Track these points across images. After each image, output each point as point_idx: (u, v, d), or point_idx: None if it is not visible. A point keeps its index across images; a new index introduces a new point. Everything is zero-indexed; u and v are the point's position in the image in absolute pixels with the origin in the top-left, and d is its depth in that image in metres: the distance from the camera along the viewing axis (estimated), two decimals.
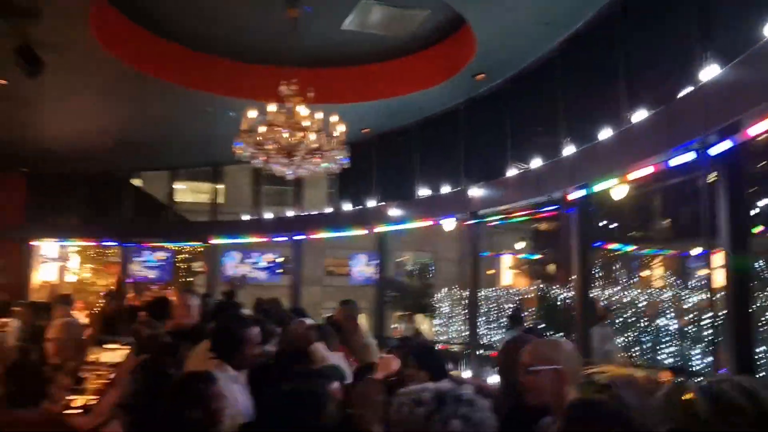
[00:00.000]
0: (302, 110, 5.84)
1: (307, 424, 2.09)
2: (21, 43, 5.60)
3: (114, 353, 4.69)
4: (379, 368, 3.23)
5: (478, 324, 8.59)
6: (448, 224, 8.48)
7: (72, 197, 12.12)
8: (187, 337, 3.62)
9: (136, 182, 12.60)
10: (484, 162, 7.68)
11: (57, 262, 14.67)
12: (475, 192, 7.35)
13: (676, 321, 7.13)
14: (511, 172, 6.93)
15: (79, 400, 3.47)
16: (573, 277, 9.76)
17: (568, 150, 5.97)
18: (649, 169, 4.90)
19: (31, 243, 11.96)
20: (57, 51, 5.93)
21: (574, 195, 5.96)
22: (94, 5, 5.35)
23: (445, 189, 8.14)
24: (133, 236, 12.27)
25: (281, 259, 20.90)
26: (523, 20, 5.68)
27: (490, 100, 7.49)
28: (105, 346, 5.12)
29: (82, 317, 7.44)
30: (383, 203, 9.08)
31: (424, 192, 8.50)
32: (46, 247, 13.12)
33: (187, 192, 17.68)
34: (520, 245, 19.21)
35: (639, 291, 10.41)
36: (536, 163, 6.54)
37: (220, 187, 13.53)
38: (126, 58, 6.41)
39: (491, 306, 10.33)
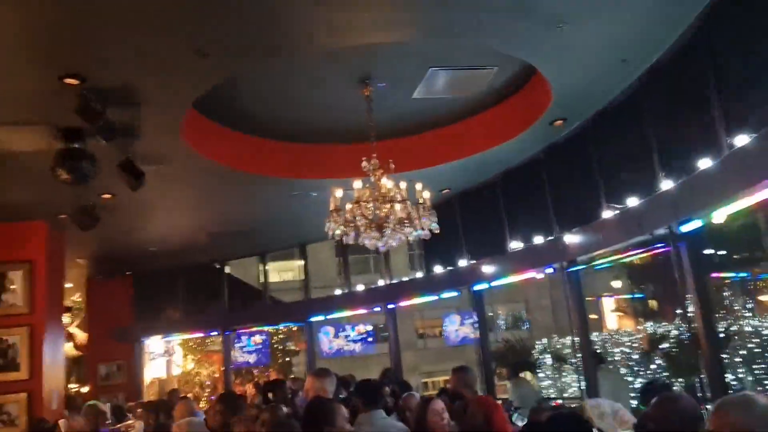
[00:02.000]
0: (386, 182, 5.94)
1: None
2: (124, 159, 6.03)
3: None
4: None
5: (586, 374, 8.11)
6: (536, 273, 8.30)
7: (173, 292, 12.67)
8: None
9: (229, 270, 13.04)
10: (574, 207, 7.47)
11: (164, 357, 15.26)
12: (571, 239, 7.13)
13: None
14: (607, 213, 6.69)
15: None
16: (679, 311, 9.26)
17: (667, 184, 5.71)
18: (764, 194, 4.60)
19: (140, 341, 12.49)
20: (155, 162, 6.35)
21: (681, 228, 5.67)
22: (185, 116, 5.70)
23: (538, 239, 7.95)
24: (232, 323, 12.59)
25: (369, 328, 20.91)
26: (597, 61, 5.60)
27: (572, 144, 7.35)
28: None
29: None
30: (474, 261, 8.96)
31: (515, 245, 8.33)
32: (153, 343, 13.68)
33: (272, 272, 18.27)
34: (617, 284, 18.32)
35: (761, 319, 9.62)
36: (633, 201, 6.29)
37: (300, 263, 13.78)
38: (215, 157, 6.76)
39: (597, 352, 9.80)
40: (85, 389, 12.34)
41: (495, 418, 4.16)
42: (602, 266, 8.10)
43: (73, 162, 5.26)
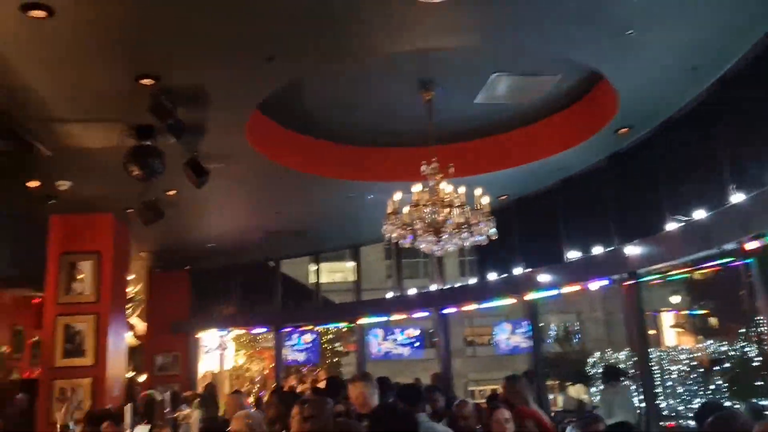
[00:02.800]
0: (445, 187, 5.92)
1: None
2: (190, 157, 6.22)
3: None
4: None
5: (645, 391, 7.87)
6: (593, 285, 8.12)
7: (228, 288, 12.98)
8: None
9: (283, 269, 13.25)
10: (636, 218, 7.28)
11: (217, 351, 15.60)
12: (632, 250, 6.94)
13: None
14: (671, 225, 6.49)
15: None
16: (743, 330, 8.83)
17: (737, 197, 5.50)
18: None
19: (195, 335, 12.83)
20: (218, 160, 6.53)
21: (751, 244, 5.44)
22: (249, 117, 5.85)
23: (597, 250, 7.77)
24: (284, 321, 12.79)
25: (417, 332, 20.85)
26: (666, 68, 5.45)
27: (637, 153, 7.16)
28: None
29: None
30: (530, 269, 8.83)
31: (573, 254, 8.17)
32: (208, 337, 14.02)
33: (323, 273, 18.53)
34: (675, 299, 17.69)
35: None
36: (699, 214, 6.08)
37: (350, 264, 13.86)
38: (276, 157, 6.89)
39: (654, 369, 9.53)
40: (142, 378, 12.77)
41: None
42: (672, 278, 7.82)
43: (144, 158, 5.46)
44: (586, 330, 24.21)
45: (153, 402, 7.64)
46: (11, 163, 6.25)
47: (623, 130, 6.71)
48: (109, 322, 7.95)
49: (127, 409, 5.31)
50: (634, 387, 7.97)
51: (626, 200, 7.53)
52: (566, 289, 8.44)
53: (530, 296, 8.98)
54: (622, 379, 7.34)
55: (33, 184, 6.93)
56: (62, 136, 5.74)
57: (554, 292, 8.54)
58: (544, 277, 8.38)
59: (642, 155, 7.11)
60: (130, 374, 12.91)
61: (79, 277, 8.02)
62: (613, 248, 7.48)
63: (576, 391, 14.31)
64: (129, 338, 11.30)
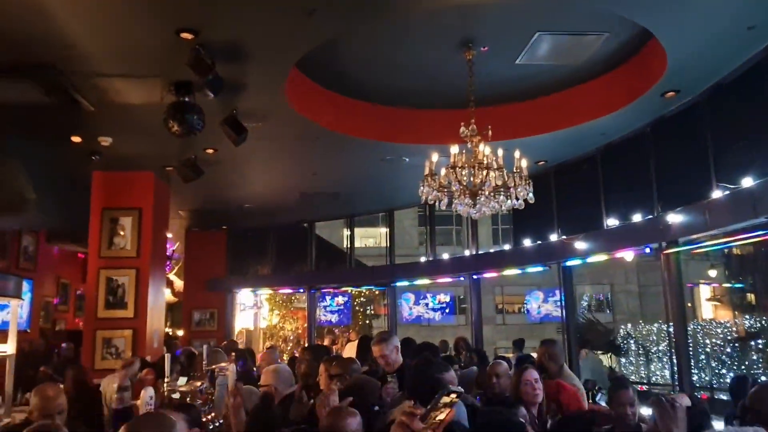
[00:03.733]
0: (483, 149, 5.84)
1: None
2: (228, 114, 6.26)
3: None
4: None
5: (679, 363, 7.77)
6: (628, 255, 7.98)
7: (263, 249, 13.18)
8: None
9: (317, 232, 13.37)
10: (680, 185, 7.08)
11: (252, 310, 15.95)
12: (674, 218, 6.77)
13: None
14: (717, 193, 6.30)
15: None
16: None
17: None
18: None
19: (231, 292, 13.12)
20: (257, 119, 6.55)
21: None
22: (289, 76, 5.82)
23: (636, 217, 7.61)
24: (317, 282, 12.96)
25: (448, 298, 20.90)
26: (721, 28, 5.21)
27: (683, 117, 6.93)
28: None
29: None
30: (566, 237, 8.72)
31: (612, 222, 8.02)
32: (243, 295, 14.33)
33: (356, 238, 18.71)
34: (713, 273, 17.35)
35: None
36: (747, 182, 5.88)
37: (383, 230, 13.88)
38: (313, 117, 6.87)
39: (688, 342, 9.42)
40: (179, 333, 13.16)
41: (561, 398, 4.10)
42: (713, 248, 7.64)
43: (183, 115, 5.50)
44: (619, 301, 24.00)
45: (192, 355, 7.87)
46: (57, 117, 6.38)
47: (670, 93, 6.49)
48: (149, 276, 8.16)
49: (167, 359, 5.47)
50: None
51: (670, 167, 7.32)
52: (603, 257, 8.32)
53: (566, 263, 8.89)
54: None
55: (76, 139, 7.08)
56: (105, 91, 5.81)
57: (591, 259, 8.43)
58: (580, 245, 8.26)
59: (688, 120, 6.88)
60: (168, 329, 13.34)
61: (120, 232, 8.22)
62: (653, 216, 7.31)
63: (606, 360, 14.27)
64: (167, 295, 11.62)
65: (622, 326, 14.81)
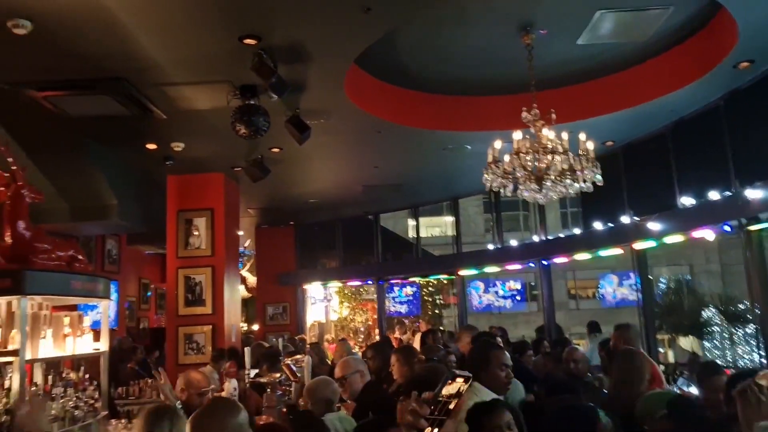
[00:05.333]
0: (547, 133, 5.75)
1: None
2: (292, 114, 6.42)
3: None
4: None
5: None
6: (708, 234, 7.65)
7: (330, 242, 13.43)
8: None
9: (382, 223, 13.50)
10: (759, 159, 6.73)
11: (322, 303, 16.29)
12: (754, 194, 6.46)
13: None
14: None
15: None
16: None
17: None
18: None
19: (302, 286, 13.45)
20: (319, 116, 6.69)
21: None
22: (347, 71, 5.91)
23: (713, 195, 7.30)
24: (385, 273, 13.09)
25: (518, 285, 20.64)
26: None
27: (759, 89, 6.58)
28: None
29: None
30: (639, 218, 8.46)
31: (686, 200, 7.72)
32: (313, 289, 14.66)
33: (421, 228, 18.78)
34: None
35: None
36: None
37: (448, 219, 13.83)
38: (373, 111, 6.95)
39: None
40: (255, 327, 13.62)
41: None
42: None
43: (249, 117, 5.70)
44: (699, 283, 23.03)
45: (269, 347, 8.16)
46: (132, 127, 6.73)
47: (743, 64, 6.18)
48: (224, 273, 8.49)
49: (246, 352, 5.71)
50: None
51: (746, 141, 6.98)
52: (679, 237, 8.02)
53: (639, 245, 8.62)
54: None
55: (151, 146, 7.44)
56: (175, 99, 6.09)
57: (666, 240, 8.15)
58: (654, 225, 7.99)
59: (764, 92, 6.53)
60: (243, 324, 13.83)
61: (195, 232, 8.59)
62: (731, 192, 6.99)
63: (688, 343, 13.79)
64: (241, 290, 12.04)
65: (704, 309, 14.24)
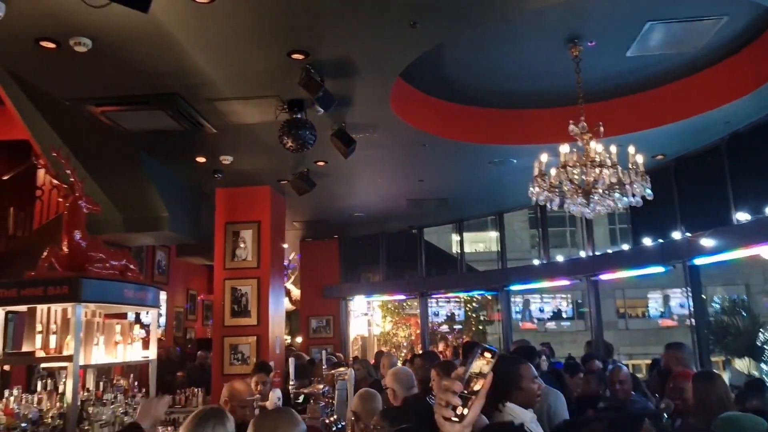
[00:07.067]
0: (595, 146, 5.65)
1: None
2: (337, 127, 6.50)
3: None
4: None
5: None
6: (767, 251, 7.35)
7: (374, 256, 13.46)
8: None
9: (426, 238, 13.45)
10: None
11: (365, 317, 16.31)
12: None
13: None
14: None
15: None
16: None
17: None
18: None
19: (345, 300, 13.50)
20: (364, 130, 6.75)
21: None
22: (393, 86, 5.95)
23: None
24: (429, 288, 13.02)
25: (564, 304, 20.21)
26: None
27: None
28: None
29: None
30: (690, 234, 8.20)
31: (742, 216, 7.45)
32: (356, 302, 14.70)
33: (465, 243, 18.66)
34: None
35: None
36: None
37: (493, 234, 13.68)
38: (418, 124, 6.96)
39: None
40: (298, 340, 13.72)
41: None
42: None
43: (297, 131, 5.79)
44: (756, 303, 22.10)
45: (312, 360, 8.20)
46: (184, 140, 6.93)
47: None
48: (270, 285, 8.60)
49: (291, 362, 5.76)
50: None
51: None
52: (734, 254, 7.73)
53: (692, 262, 8.35)
54: None
55: (201, 159, 7.64)
56: (224, 113, 6.24)
57: (721, 257, 7.86)
58: (708, 242, 7.73)
59: None
60: (287, 337, 13.95)
61: (241, 244, 8.74)
62: None
63: (744, 365, 13.22)
64: (286, 303, 12.17)
65: (762, 330, 13.66)
